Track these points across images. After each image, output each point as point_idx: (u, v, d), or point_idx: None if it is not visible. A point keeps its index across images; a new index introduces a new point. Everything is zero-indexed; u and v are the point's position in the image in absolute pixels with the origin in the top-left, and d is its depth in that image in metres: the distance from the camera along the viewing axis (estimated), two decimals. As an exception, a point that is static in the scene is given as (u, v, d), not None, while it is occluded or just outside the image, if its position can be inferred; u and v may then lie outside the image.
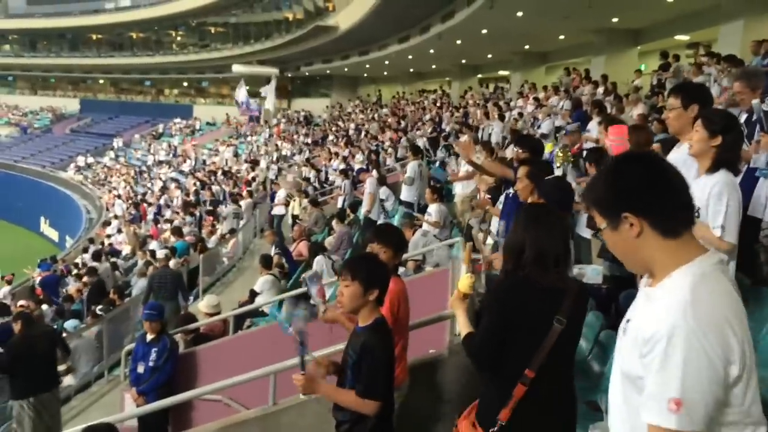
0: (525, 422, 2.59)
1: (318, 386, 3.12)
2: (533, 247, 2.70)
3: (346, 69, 38.62)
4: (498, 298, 2.75)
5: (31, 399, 6.67)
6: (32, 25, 50.22)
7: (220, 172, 28.72)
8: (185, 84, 51.57)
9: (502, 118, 15.94)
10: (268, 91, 20.39)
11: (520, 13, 19.09)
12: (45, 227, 36.25)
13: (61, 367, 6.91)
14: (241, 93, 21.10)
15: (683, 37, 19.41)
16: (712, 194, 3.25)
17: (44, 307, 13.51)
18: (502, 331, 2.61)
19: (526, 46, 25.49)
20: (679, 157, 3.67)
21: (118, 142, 44.17)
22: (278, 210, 16.69)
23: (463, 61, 31.31)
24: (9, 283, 17.73)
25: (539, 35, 22.75)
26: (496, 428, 2.58)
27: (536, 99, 17.31)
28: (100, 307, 10.85)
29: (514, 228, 2.87)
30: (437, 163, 15.55)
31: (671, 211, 1.65)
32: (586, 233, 5.93)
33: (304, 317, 3.10)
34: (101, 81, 53.94)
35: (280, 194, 17.15)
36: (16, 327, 7.07)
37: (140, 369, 6.65)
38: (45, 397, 6.77)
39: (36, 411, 6.69)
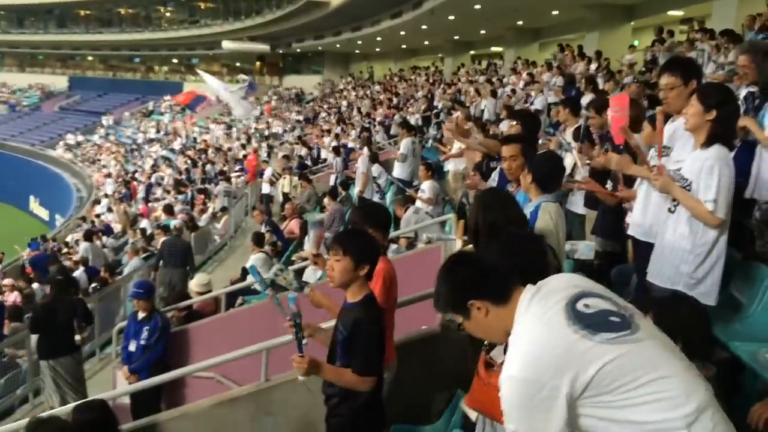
0: None
1: (319, 368, 3.06)
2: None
3: (338, 45, 38.28)
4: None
5: (51, 361, 7.19)
6: (19, 1, 49.33)
7: (211, 150, 28.54)
8: (175, 61, 51.02)
9: (494, 94, 15.85)
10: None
11: (513, -12, 18.93)
12: (35, 206, 36.01)
13: (77, 337, 7.32)
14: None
15: (677, 13, 19.30)
16: (704, 168, 3.23)
17: (35, 285, 13.46)
18: None
19: (520, 22, 25.27)
20: (674, 130, 3.63)
21: (107, 120, 43.77)
22: (264, 188, 16.71)
23: (456, 38, 31.05)
24: (-1, 261, 17.66)
25: (532, 10, 22.54)
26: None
27: (530, 75, 17.22)
28: (93, 285, 10.84)
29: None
30: (429, 142, 15.48)
31: (500, 287, 2.00)
32: (579, 209, 5.92)
33: (293, 298, 3.09)
34: (90, 58, 53.32)
35: (267, 172, 17.11)
36: (47, 289, 7.52)
37: (132, 347, 6.64)
38: (63, 361, 7.22)
39: (55, 371, 7.20)
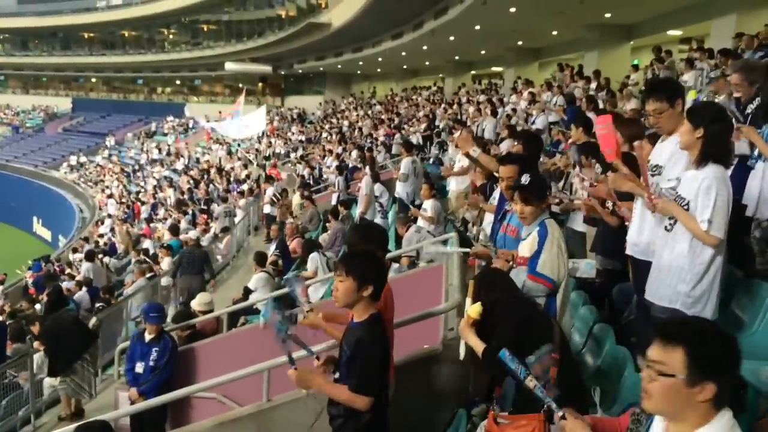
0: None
1: (312, 379, 3.13)
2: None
3: (339, 66, 38.56)
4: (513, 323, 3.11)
5: (84, 356, 7.89)
6: (23, 24, 50.00)
7: (213, 171, 28.64)
8: (178, 82, 51.42)
9: (495, 114, 15.92)
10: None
11: (513, 9, 19.08)
12: (38, 227, 36.08)
13: (91, 322, 8.16)
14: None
15: (676, 32, 19.45)
16: (701, 188, 3.26)
17: (38, 306, 13.45)
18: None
19: (519, 42, 25.49)
20: (665, 149, 3.67)
21: (110, 141, 43.99)
22: (266, 209, 16.76)
23: (457, 58, 31.30)
24: (1, 282, 17.67)
25: (532, 31, 22.76)
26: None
27: (531, 94, 17.30)
28: (98, 305, 10.87)
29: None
30: (431, 160, 15.54)
31: (732, 389, 1.78)
32: (579, 227, 5.94)
33: (281, 313, 3.14)
34: (93, 80, 53.72)
35: (268, 192, 17.15)
36: (35, 329, 8.58)
37: (139, 369, 6.53)
38: (91, 350, 8.06)
39: (87, 362, 7.96)
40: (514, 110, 16.67)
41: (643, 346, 2.46)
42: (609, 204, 4.71)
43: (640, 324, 3.91)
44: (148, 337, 6.66)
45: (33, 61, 52.18)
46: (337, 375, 3.29)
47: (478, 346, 3.18)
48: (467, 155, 6.55)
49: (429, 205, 9.18)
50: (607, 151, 3.98)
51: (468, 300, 3.38)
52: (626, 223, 4.22)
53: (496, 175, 5.42)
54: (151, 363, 6.52)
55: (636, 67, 17.00)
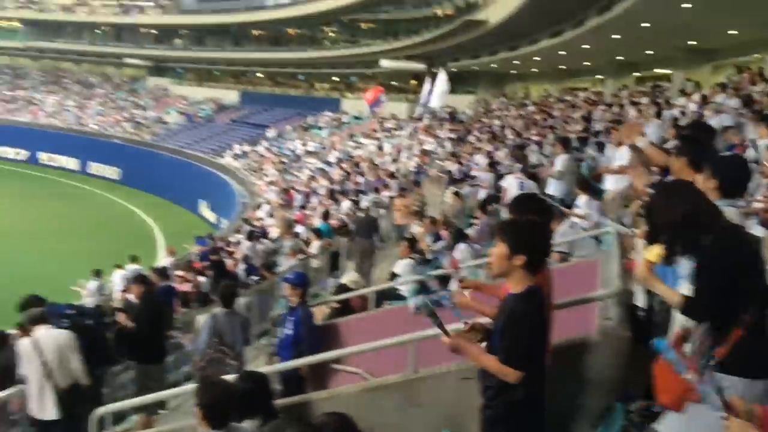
0: (741, 359, 2.73)
1: (466, 346, 3.12)
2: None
3: (493, 65, 38.12)
4: (713, 257, 2.82)
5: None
6: (201, 21, 54.29)
7: (365, 164, 29.47)
8: (335, 78, 53.43)
9: (659, 116, 15.02)
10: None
11: (687, 5, 17.84)
12: (203, 209, 38.96)
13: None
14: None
15: None
16: None
17: (201, 278, 14.57)
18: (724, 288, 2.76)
19: (691, 42, 23.80)
20: None
21: (271, 133, 46.61)
22: None
23: (619, 58, 29.79)
24: (172, 254, 19.27)
25: (707, 30, 21.15)
26: (713, 362, 2.75)
27: (703, 96, 16.16)
28: (254, 278, 11.64)
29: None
30: (587, 161, 14.97)
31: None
32: (757, 231, 5.46)
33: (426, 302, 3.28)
34: (259, 74, 57.18)
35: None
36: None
37: (281, 334, 6.90)
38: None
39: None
40: (682, 113, 15.63)
41: None
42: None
43: None
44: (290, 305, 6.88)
45: (207, 56, 56.45)
46: (484, 344, 3.28)
47: (668, 293, 2.93)
48: (632, 147, 6.23)
49: (582, 203, 8.86)
50: None
51: (641, 241, 3.19)
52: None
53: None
54: (288, 332, 6.75)
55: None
